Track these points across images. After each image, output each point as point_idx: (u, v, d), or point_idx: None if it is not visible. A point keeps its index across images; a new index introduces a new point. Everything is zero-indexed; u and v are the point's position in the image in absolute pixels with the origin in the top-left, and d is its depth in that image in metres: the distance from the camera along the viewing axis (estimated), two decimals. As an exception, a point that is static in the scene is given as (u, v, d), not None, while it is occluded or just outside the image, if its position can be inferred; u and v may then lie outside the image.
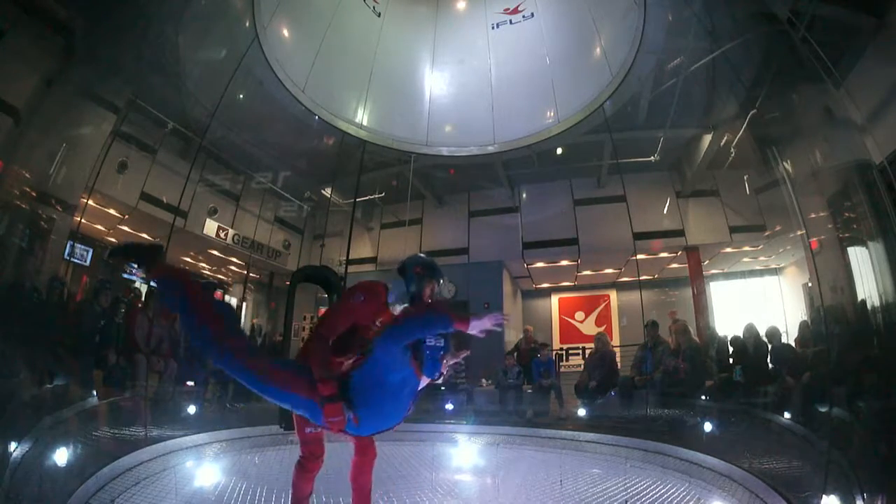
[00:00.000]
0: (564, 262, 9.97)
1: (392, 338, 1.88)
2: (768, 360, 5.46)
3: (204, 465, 4.14)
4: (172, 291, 2.06)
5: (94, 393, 4.85)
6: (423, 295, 2.26)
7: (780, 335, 5.62)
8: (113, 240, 8.08)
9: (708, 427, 4.93)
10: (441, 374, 2.12)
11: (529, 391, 6.75)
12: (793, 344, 5.65)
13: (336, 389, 1.88)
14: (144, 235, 8.10)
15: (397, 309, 2.32)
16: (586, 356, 8.43)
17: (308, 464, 2.40)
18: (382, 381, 1.91)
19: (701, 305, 8.83)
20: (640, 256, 8.82)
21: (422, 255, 2.47)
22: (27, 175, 4.67)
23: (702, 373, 6.05)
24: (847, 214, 4.63)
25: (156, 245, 2.19)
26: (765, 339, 5.60)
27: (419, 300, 2.25)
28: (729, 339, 6.17)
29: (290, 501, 2.46)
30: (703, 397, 5.83)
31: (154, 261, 2.14)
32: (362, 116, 7.47)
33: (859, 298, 4.29)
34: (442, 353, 2.03)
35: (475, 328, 1.86)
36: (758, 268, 9.99)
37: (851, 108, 4.33)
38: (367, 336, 2.25)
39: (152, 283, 2.33)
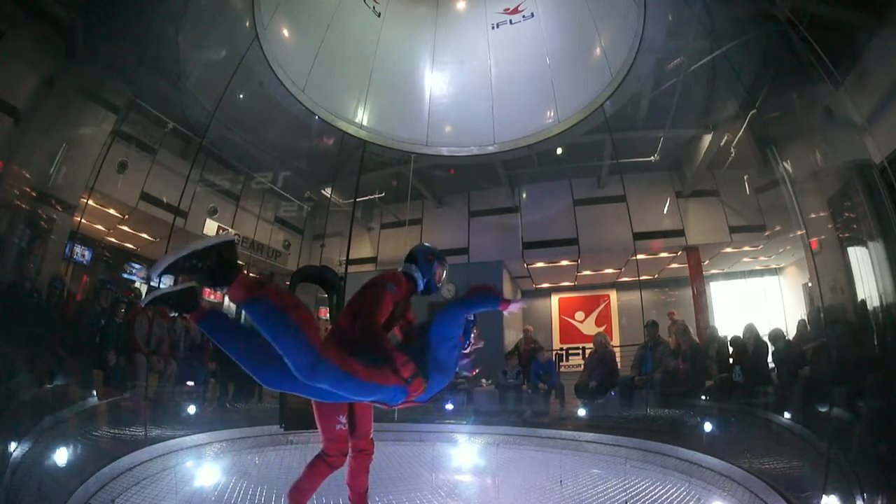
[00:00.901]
0: (564, 262, 9.96)
1: (457, 310, 2.21)
2: (769, 360, 5.45)
3: (204, 465, 4.14)
4: (267, 312, 1.69)
5: (94, 393, 4.86)
6: (435, 280, 2.50)
7: (784, 337, 5.60)
8: (113, 240, 8.11)
9: (708, 427, 4.93)
10: (471, 342, 2.47)
11: (529, 392, 6.76)
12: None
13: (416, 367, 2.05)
14: (144, 235, 8.12)
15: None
16: (586, 356, 8.43)
17: (334, 461, 2.41)
18: (442, 349, 2.16)
19: (701, 305, 8.83)
20: (640, 256, 8.81)
21: (426, 244, 2.65)
22: (27, 175, 4.67)
23: (702, 373, 6.05)
24: (847, 214, 4.64)
25: (192, 288, 1.83)
26: (767, 340, 5.59)
27: (433, 285, 2.50)
28: (729, 339, 6.17)
29: (293, 494, 2.40)
30: (703, 397, 5.83)
31: (195, 302, 1.83)
32: (362, 116, 7.46)
33: (859, 298, 4.29)
34: (473, 325, 2.43)
35: (512, 308, 2.30)
36: (758, 268, 9.99)
37: (851, 108, 4.33)
38: (394, 322, 2.48)
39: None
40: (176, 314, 1.77)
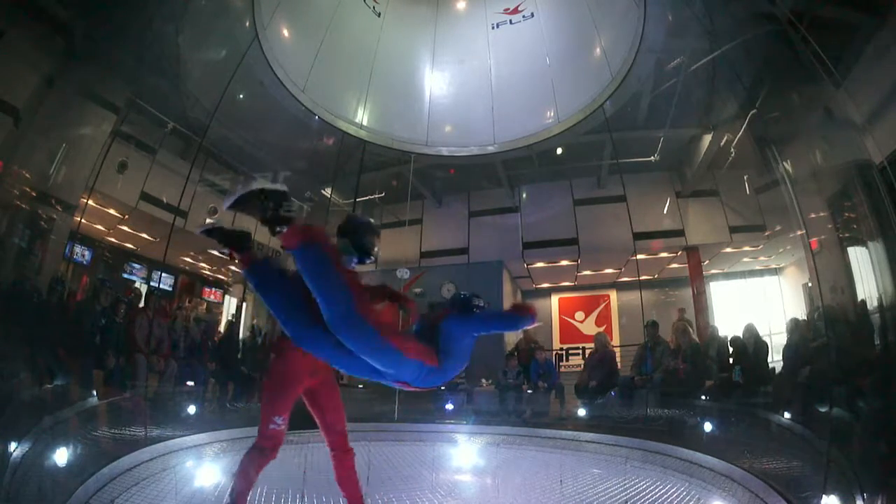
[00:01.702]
0: (564, 262, 9.97)
1: (493, 322, 2.30)
2: (780, 355, 5.41)
3: (204, 465, 4.13)
4: (316, 259, 1.77)
5: (94, 393, 4.86)
6: (371, 250, 2.43)
7: (801, 328, 5.49)
8: (113, 240, 8.10)
9: (708, 427, 4.93)
10: None
11: (529, 392, 6.76)
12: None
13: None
14: (144, 235, 8.12)
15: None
16: (586, 356, 8.43)
17: (272, 455, 2.43)
18: (468, 339, 2.14)
19: (701, 305, 8.84)
20: (640, 256, 8.82)
21: (355, 214, 2.60)
22: (27, 175, 4.67)
23: (702, 373, 6.05)
24: (847, 214, 4.64)
25: (248, 233, 2.00)
26: (786, 331, 5.54)
27: (367, 255, 2.42)
28: (729, 339, 6.17)
29: (238, 489, 2.39)
30: (703, 397, 5.83)
31: (247, 244, 1.99)
32: (362, 116, 7.46)
33: (859, 298, 4.29)
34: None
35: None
36: (758, 268, 9.99)
37: (851, 108, 4.33)
38: None
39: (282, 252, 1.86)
40: (227, 253, 1.99)
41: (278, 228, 1.69)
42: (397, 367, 1.92)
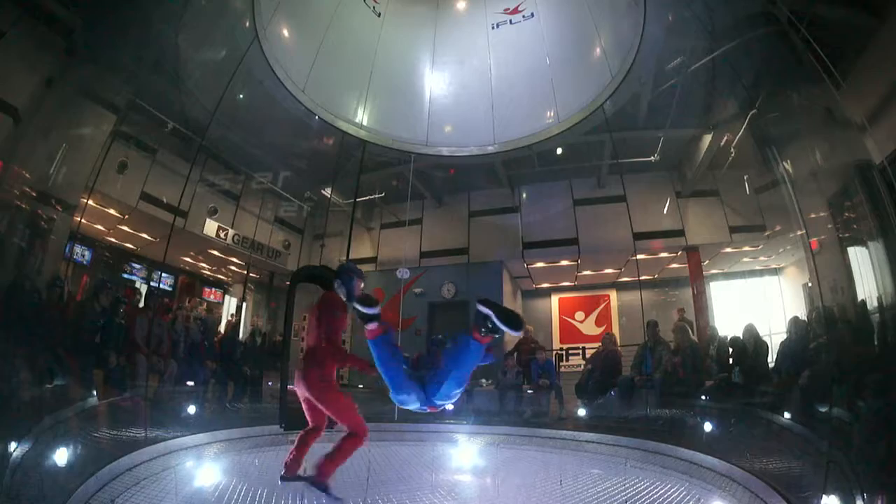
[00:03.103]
0: (564, 262, 9.96)
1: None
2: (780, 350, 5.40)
3: (204, 465, 4.14)
4: (477, 354, 2.41)
5: (94, 393, 4.86)
6: (355, 291, 3.05)
7: (804, 326, 5.46)
8: (113, 240, 8.10)
9: (708, 427, 4.93)
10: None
11: (530, 392, 6.75)
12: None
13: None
14: (144, 235, 8.12)
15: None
16: (587, 356, 8.43)
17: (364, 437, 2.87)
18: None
19: (701, 305, 8.83)
20: (640, 256, 8.81)
21: (348, 261, 3.08)
22: (27, 175, 4.67)
23: (702, 373, 6.05)
24: (847, 214, 4.64)
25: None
26: (788, 327, 5.55)
27: (352, 295, 3.02)
28: (729, 339, 6.17)
29: (326, 465, 2.72)
30: (704, 397, 5.83)
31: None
32: (362, 116, 7.46)
33: (859, 298, 4.29)
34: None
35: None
36: (758, 268, 9.97)
37: (851, 108, 4.33)
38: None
39: None
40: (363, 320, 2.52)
41: (496, 336, 2.33)
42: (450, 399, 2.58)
